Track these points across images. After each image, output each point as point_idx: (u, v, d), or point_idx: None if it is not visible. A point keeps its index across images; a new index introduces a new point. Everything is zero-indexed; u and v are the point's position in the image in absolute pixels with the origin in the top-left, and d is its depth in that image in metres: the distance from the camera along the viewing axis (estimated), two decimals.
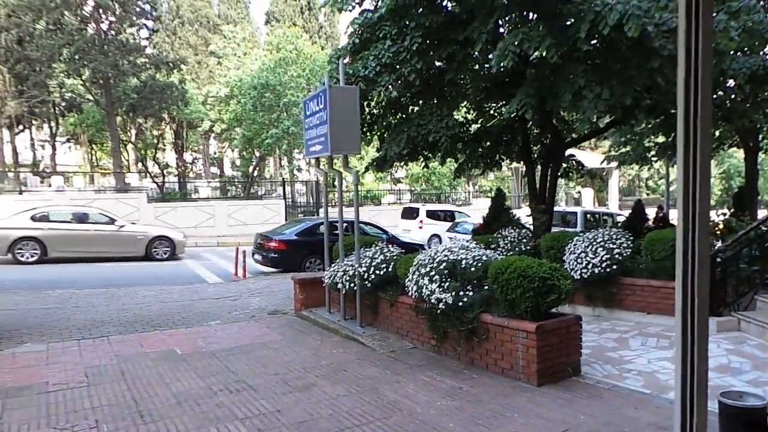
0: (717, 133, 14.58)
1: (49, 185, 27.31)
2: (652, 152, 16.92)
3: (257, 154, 32.53)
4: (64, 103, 30.63)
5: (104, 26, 26.53)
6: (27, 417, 4.24)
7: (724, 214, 10.20)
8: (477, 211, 22.22)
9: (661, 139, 15.79)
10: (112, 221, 15.24)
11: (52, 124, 34.74)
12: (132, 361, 5.80)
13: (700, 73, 1.81)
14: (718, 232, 8.69)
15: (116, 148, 28.25)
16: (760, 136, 14.73)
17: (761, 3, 9.72)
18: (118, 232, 15.05)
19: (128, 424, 4.11)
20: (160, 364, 5.67)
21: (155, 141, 35.38)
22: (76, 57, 24.35)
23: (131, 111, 28.42)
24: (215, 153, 43.63)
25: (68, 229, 14.60)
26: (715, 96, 10.19)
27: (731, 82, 10.01)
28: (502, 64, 7.73)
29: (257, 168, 34.59)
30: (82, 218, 15.10)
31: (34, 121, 33.51)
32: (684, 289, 1.92)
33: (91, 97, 27.50)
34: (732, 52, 9.01)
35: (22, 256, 13.87)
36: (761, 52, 9.86)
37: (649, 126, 13.87)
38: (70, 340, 6.64)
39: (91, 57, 24.31)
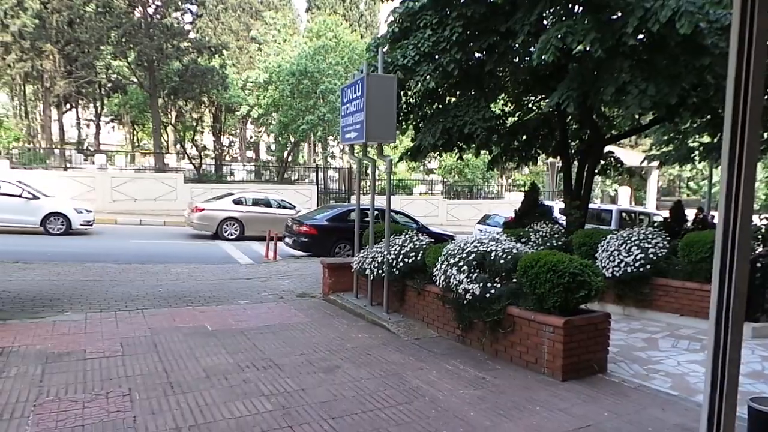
0: (765, 135, 13.97)
1: (93, 163, 28.18)
2: (696, 153, 16.32)
3: (292, 139, 32.83)
4: (109, 84, 31.57)
5: (150, 10, 27.12)
6: (65, 381, 4.45)
7: (767, 218, 9.81)
8: (507, 204, 21.81)
9: (706, 139, 15.22)
10: (292, 207, 17.39)
11: (98, 104, 35.86)
12: (164, 334, 6.00)
13: (752, 71, 1.74)
14: (760, 237, 8.38)
15: (157, 129, 28.97)
16: None
17: None
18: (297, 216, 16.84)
19: (159, 394, 4.27)
20: (191, 339, 5.85)
21: (194, 124, 36.13)
22: (123, 40, 25.04)
23: (173, 94, 29.10)
24: (251, 137, 44.27)
25: (260, 212, 16.70)
26: (766, 96, 9.77)
27: None
28: (543, 58, 7.58)
29: (291, 153, 34.95)
30: (268, 203, 17.26)
31: (80, 101, 34.67)
32: (720, 291, 1.88)
33: (135, 79, 28.25)
34: None
35: (227, 233, 15.95)
36: None
37: (695, 125, 13.40)
38: (107, 311, 6.91)
39: (137, 40, 24.94)
